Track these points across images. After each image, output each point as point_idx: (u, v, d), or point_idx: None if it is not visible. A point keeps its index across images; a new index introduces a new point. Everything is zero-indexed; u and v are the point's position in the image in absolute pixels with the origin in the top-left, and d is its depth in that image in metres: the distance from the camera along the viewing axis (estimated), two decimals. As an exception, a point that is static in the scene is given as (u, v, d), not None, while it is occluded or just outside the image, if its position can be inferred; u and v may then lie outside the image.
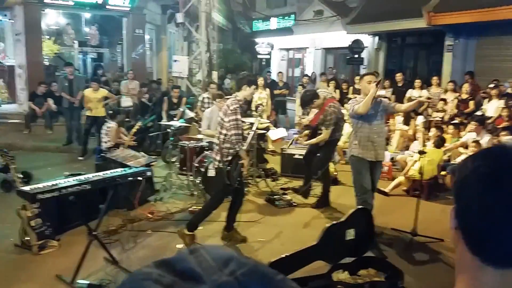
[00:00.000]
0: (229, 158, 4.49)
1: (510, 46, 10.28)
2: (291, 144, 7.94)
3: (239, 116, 4.44)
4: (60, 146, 9.55)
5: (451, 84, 9.62)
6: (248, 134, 6.18)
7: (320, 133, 5.98)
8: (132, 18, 13.35)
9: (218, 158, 4.56)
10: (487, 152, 0.84)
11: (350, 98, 9.83)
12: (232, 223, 4.84)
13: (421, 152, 5.37)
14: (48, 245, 4.52)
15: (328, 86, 11.45)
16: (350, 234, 4.06)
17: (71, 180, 3.99)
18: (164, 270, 0.39)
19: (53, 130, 10.72)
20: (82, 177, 4.13)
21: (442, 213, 5.78)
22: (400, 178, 6.64)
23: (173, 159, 6.94)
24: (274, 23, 18.23)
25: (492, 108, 8.45)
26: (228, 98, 4.96)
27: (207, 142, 6.76)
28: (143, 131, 8.69)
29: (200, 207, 5.04)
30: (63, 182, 3.91)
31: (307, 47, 17.45)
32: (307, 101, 6.03)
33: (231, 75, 15.91)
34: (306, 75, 12.66)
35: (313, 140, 6.24)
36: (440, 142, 6.67)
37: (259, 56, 18.87)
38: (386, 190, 6.51)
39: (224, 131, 4.47)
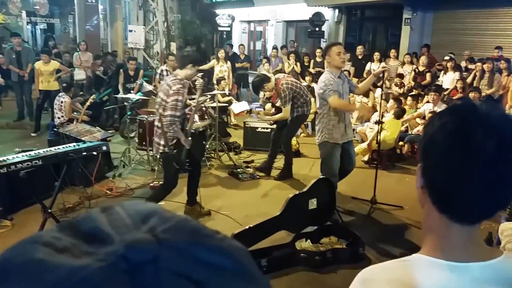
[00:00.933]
0: (174, 141, 4.24)
1: (465, 20, 10.59)
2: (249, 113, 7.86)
3: (180, 97, 4.08)
4: (10, 122, 9.05)
5: (407, 57, 9.83)
6: (191, 110, 6.06)
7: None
8: (84, -14, 12.64)
9: (162, 142, 4.22)
10: (454, 109, 0.82)
11: (311, 72, 9.91)
12: (194, 196, 4.76)
13: (378, 123, 5.46)
14: (0, 225, 4.30)
15: (288, 59, 11.40)
16: (313, 204, 4.11)
17: (21, 156, 3.76)
18: (66, 233, 0.32)
19: (2, 105, 10.12)
20: (32, 153, 3.91)
21: (400, 182, 5.97)
22: (357, 149, 6.76)
23: (132, 134, 6.73)
24: (234, -6, 17.82)
25: (448, 80, 8.72)
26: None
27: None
28: (98, 105, 8.35)
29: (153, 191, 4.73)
30: (12, 158, 3.68)
31: (268, 20, 17.23)
32: (257, 86, 5.94)
33: (191, 46, 15.51)
34: (275, 47, 12.51)
35: (275, 117, 6.19)
36: (400, 113, 6.82)
37: (219, 28, 18.45)
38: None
39: (166, 112, 4.11)
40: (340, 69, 4.41)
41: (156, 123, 4.31)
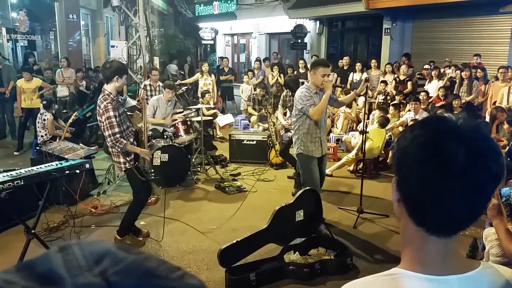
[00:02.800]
0: (132, 156, 4.18)
1: (444, 29, 10.83)
2: None
3: (111, 113, 3.92)
4: (-9, 142, 8.89)
5: (389, 66, 10.00)
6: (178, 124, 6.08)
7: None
8: (65, 2, 12.60)
9: (122, 160, 4.14)
10: (424, 122, 0.84)
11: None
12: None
13: (363, 132, 5.52)
14: (-19, 247, 4.19)
15: (272, 71, 11.49)
16: (300, 215, 4.11)
17: (2, 176, 3.69)
18: (22, 274, 0.32)
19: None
20: (14, 173, 3.84)
21: (385, 190, 6.02)
22: (344, 159, 6.81)
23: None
24: (216, 8, 17.93)
25: (432, 88, 8.89)
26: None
27: (150, 130, 6.56)
28: (81, 121, 8.26)
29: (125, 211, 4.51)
30: (-7, 178, 3.61)
31: (251, 32, 17.38)
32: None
33: (176, 60, 15.50)
34: (258, 59, 12.60)
35: None
36: (384, 122, 6.90)
37: (203, 42, 18.52)
38: (328, 171, 6.63)
39: (105, 133, 4.00)
40: (318, 87, 4.40)
41: (108, 143, 4.13)
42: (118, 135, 3.94)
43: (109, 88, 4.04)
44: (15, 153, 8.08)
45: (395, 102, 8.43)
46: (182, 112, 7.04)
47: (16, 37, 14.13)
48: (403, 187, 0.82)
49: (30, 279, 0.31)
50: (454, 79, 8.78)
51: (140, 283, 0.32)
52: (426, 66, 9.86)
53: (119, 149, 4.04)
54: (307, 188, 4.29)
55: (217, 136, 9.29)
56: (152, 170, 4.71)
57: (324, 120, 4.63)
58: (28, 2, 13.85)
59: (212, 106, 8.95)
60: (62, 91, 9.78)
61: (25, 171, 3.95)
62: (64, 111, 9.39)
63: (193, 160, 6.75)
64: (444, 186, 0.76)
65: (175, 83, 9.07)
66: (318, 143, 4.52)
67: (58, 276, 0.31)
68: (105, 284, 0.30)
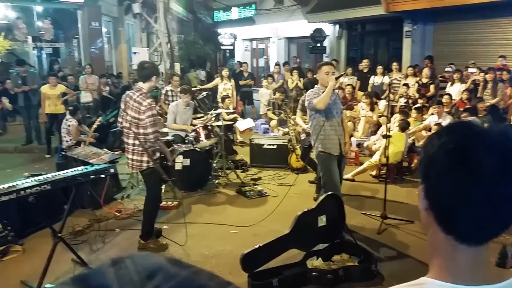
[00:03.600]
0: (158, 155, 4.23)
1: (466, 31, 10.63)
2: None
3: (155, 111, 4.02)
4: (18, 146, 9.13)
5: (410, 69, 9.86)
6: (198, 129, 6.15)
7: None
8: (87, 10, 12.86)
9: (145, 158, 4.15)
10: (452, 128, 0.82)
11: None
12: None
13: (385, 136, 5.46)
14: (11, 250, 4.31)
15: (291, 75, 11.48)
16: (322, 220, 4.08)
17: (30, 181, 3.78)
18: (76, 285, 0.33)
19: (9, 130, 10.22)
20: (41, 177, 3.93)
21: (409, 195, 5.93)
22: (366, 164, 6.74)
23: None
24: (235, 13, 18.05)
25: (455, 91, 8.73)
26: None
27: (172, 135, 6.63)
28: (105, 127, 8.41)
29: (143, 214, 4.50)
30: (21, 183, 3.70)
31: (270, 37, 17.42)
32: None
33: (200, 67, 15.62)
34: (277, 64, 12.64)
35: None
36: (405, 125, 6.81)
37: (222, 47, 18.66)
38: (350, 176, 6.59)
39: (141, 130, 4.03)
40: (326, 87, 4.54)
41: (130, 141, 4.15)
42: (157, 133, 4.10)
43: (145, 86, 4.15)
44: (46, 156, 8.35)
45: (417, 105, 8.30)
46: (202, 117, 7.10)
47: (41, 45, 14.51)
48: (431, 195, 0.81)
49: None
50: (478, 82, 8.60)
51: None
52: (448, 69, 9.68)
53: (156, 146, 4.14)
54: (330, 193, 4.26)
55: (237, 141, 9.32)
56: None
57: (338, 118, 4.70)
58: (53, 11, 14.20)
59: (232, 110, 9.00)
60: (86, 97, 9.98)
61: (51, 176, 4.04)
62: (88, 115, 9.57)
63: (214, 164, 6.79)
64: (473, 193, 0.74)
65: (195, 88, 9.19)
66: (335, 140, 4.61)
67: None
68: None
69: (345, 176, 6.17)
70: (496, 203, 0.74)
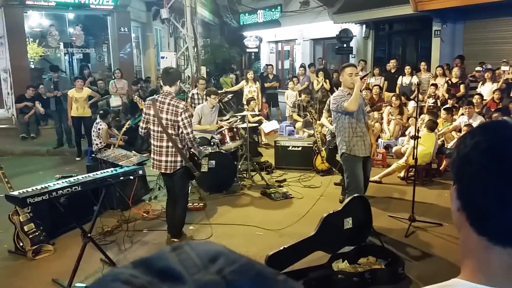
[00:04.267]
0: (188, 154, 4.43)
1: (496, 29, 10.31)
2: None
3: (190, 112, 4.31)
4: (50, 149, 9.43)
5: (439, 69, 9.64)
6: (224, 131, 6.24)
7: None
8: (117, 16, 13.17)
9: (179, 158, 4.31)
10: (485, 127, 0.81)
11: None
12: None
13: (414, 137, 5.35)
14: (43, 249, 4.45)
15: (317, 76, 11.42)
16: (348, 223, 4.04)
17: (61, 182, 3.90)
18: (141, 270, 0.34)
19: (42, 133, 10.59)
20: (72, 179, 4.04)
21: (438, 197, 5.79)
22: (394, 166, 6.62)
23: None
24: (261, 16, 18.11)
25: (486, 91, 8.47)
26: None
27: (199, 137, 6.70)
28: (134, 130, 8.58)
29: (178, 211, 4.56)
30: (52, 185, 3.82)
31: (296, 39, 17.38)
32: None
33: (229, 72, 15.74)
34: (302, 65, 12.62)
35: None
36: (432, 125, 6.66)
37: (248, 50, 18.76)
38: (377, 178, 6.48)
39: (184, 131, 4.23)
40: (351, 89, 4.54)
41: (164, 143, 4.29)
42: (194, 133, 4.32)
43: (173, 90, 4.38)
44: (77, 158, 8.59)
45: (447, 106, 8.10)
46: (228, 119, 7.16)
47: (72, 50, 14.98)
48: (464, 196, 0.79)
49: (150, 275, 0.33)
50: (510, 81, 8.31)
51: (255, 283, 0.33)
52: (478, 68, 9.40)
53: (195, 145, 4.39)
54: (356, 195, 4.21)
55: (262, 143, 9.33)
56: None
57: (363, 120, 4.69)
58: (84, 18, 14.63)
59: (257, 113, 9.02)
60: (115, 101, 10.23)
61: (82, 177, 4.15)
62: (117, 119, 9.80)
63: (239, 166, 6.81)
64: (508, 194, 0.73)
65: (220, 91, 9.27)
66: (361, 142, 4.59)
67: (176, 273, 0.33)
68: (224, 282, 0.32)
69: (372, 178, 6.12)
70: None
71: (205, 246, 0.37)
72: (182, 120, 4.21)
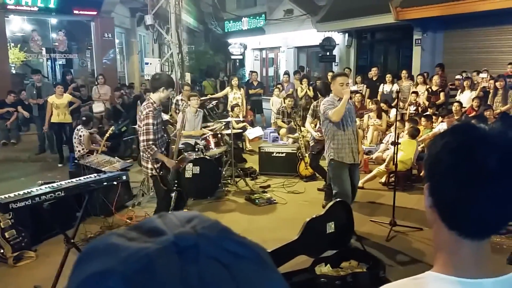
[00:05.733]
0: (159, 164, 4.36)
1: (476, 38, 10.61)
2: None
3: (150, 121, 4.18)
4: (32, 155, 9.29)
5: (420, 77, 9.86)
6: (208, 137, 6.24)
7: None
8: (100, 22, 13.12)
9: (149, 165, 4.37)
10: (454, 128, 0.87)
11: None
12: None
13: (395, 144, 5.47)
14: (25, 256, 4.39)
15: (301, 84, 11.54)
16: (331, 227, 4.10)
17: (44, 188, 3.87)
18: (132, 229, 0.45)
19: (23, 139, 10.43)
20: (55, 185, 4.01)
21: (418, 202, 5.90)
22: (375, 171, 6.73)
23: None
24: (245, 23, 18.25)
25: (465, 98, 8.70)
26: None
27: (182, 144, 6.71)
28: (117, 136, 8.54)
29: None
30: (36, 190, 3.79)
31: (280, 46, 17.55)
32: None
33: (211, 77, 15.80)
34: (286, 73, 12.75)
35: None
36: (414, 132, 6.80)
37: (232, 57, 18.84)
38: (360, 183, 6.56)
39: (140, 137, 4.28)
40: (340, 97, 4.60)
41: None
42: (151, 142, 4.21)
43: (154, 97, 4.33)
44: (59, 165, 8.44)
45: (427, 113, 8.29)
46: (212, 127, 7.19)
47: (55, 56, 14.83)
48: (435, 193, 0.84)
49: (139, 233, 0.44)
50: (488, 89, 8.56)
51: (220, 235, 0.44)
52: (458, 77, 9.66)
53: (147, 154, 4.29)
54: (338, 200, 4.28)
55: (247, 149, 9.37)
56: (176, 181, 4.84)
57: (352, 127, 4.75)
58: (67, 23, 14.51)
59: (241, 119, 9.07)
60: (98, 107, 10.16)
61: (65, 183, 4.12)
62: (100, 125, 9.73)
63: (224, 172, 6.83)
64: (475, 191, 0.78)
65: (204, 98, 9.32)
66: (348, 149, 4.64)
67: (161, 230, 0.43)
68: (195, 233, 0.42)
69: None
70: (497, 199, 0.77)
71: (184, 213, 0.47)
72: (141, 126, 4.23)
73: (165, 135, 4.55)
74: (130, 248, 0.41)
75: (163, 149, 4.42)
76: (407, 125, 7.41)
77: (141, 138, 4.24)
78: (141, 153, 4.43)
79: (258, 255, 0.45)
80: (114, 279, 0.39)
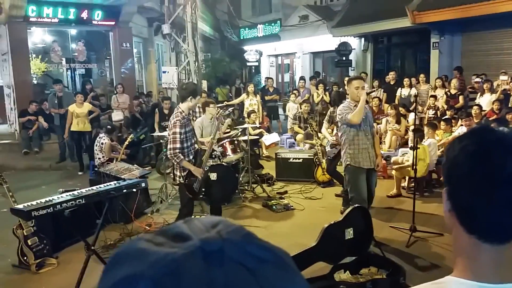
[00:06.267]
0: (186, 172, 4.44)
1: (494, 40, 10.44)
2: None
3: (178, 130, 4.29)
4: (53, 164, 9.48)
5: (439, 81, 9.73)
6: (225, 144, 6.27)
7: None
8: (119, 32, 13.34)
9: (178, 173, 4.52)
10: (472, 132, 0.86)
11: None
12: None
13: (414, 148, 5.40)
14: (46, 263, 4.48)
15: (317, 89, 11.52)
16: (349, 233, 4.06)
17: (65, 196, 3.95)
18: (159, 234, 0.46)
19: (45, 148, 10.65)
20: (76, 192, 4.09)
21: (438, 207, 5.80)
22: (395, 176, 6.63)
23: (168, 170, 6.91)
24: (260, 30, 18.35)
25: (485, 101, 8.55)
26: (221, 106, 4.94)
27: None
28: (136, 143, 8.66)
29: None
30: (57, 198, 3.87)
31: (295, 52, 17.57)
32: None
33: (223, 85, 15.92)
34: (302, 78, 12.76)
35: None
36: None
37: (248, 64, 18.95)
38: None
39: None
40: (357, 101, 4.58)
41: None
42: (177, 150, 4.30)
43: (183, 106, 4.45)
44: (79, 173, 8.61)
45: (446, 117, 8.16)
46: (229, 132, 7.23)
47: (75, 66, 15.15)
48: (454, 196, 0.84)
49: (166, 238, 0.45)
50: (509, 92, 8.39)
51: (245, 239, 0.45)
52: (477, 79, 9.49)
53: (174, 163, 4.42)
54: (356, 205, 4.25)
55: (263, 155, 9.38)
56: (203, 190, 4.87)
57: (369, 131, 4.74)
58: (86, 33, 14.82)
59: (258, 125, 9.10)
60: (117, 115, 10.31)
61: (85, 190, 4.20)
62: (119, 134, 9.88)
63: (241, 178, 6.85)
64: (493, 194, 0.77)
65: (221, 104, 9.38)
66: (366, 154, 4.63)
67: (187, 235, 0.45)
68: (220, 238, 0.44)
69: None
70: None
71: (209, 218, 0.49)
72: (170, 135, 4.35)
73: (194, 143, 4.67)
74: (158, 253, 0.43)
75: (190, 157, 4.51)
76: (426, 129, 7.29)
77: (169, 146, 4.35)
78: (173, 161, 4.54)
79: (282, 259, 0.46)
80: (144, 282, 0.41)
